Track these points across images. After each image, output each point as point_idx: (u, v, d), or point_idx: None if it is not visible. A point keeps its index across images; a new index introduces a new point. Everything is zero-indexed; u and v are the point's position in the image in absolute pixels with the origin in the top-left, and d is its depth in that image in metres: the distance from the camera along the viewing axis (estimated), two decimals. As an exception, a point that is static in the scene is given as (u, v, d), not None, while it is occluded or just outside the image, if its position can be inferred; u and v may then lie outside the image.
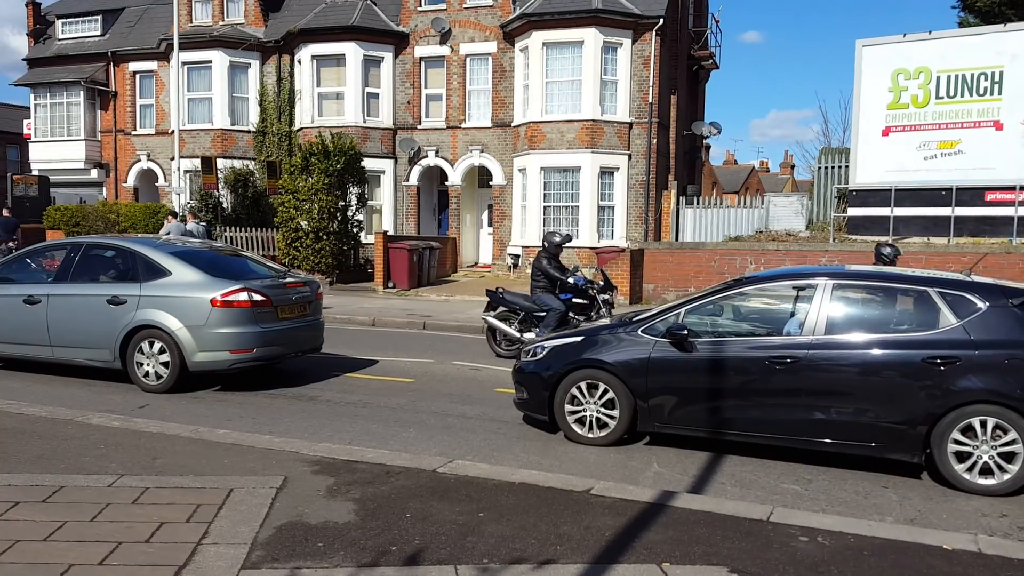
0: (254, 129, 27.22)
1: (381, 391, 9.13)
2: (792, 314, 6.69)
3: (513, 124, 24.40)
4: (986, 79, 16.98)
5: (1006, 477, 5.66)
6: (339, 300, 18.03)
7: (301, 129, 26.23)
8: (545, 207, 23.38)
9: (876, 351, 6.05)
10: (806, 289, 6.57)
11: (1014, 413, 5.63)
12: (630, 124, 23.25)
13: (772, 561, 4.22)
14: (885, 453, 6.06)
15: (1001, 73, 16.80)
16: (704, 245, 19.64)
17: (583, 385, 6.89)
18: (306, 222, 21.01)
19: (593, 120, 22.79)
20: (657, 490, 5.37)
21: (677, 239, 21.54)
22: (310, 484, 5.25)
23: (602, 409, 6.83)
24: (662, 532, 4.58)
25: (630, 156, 23.34)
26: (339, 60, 25.52)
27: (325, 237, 20.99)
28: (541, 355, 7.22)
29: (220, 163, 24.91)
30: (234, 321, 8.63)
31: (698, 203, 22.46)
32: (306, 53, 25.79)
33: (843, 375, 6.11)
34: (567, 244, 11.89)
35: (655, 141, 23.26)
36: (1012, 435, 5.62)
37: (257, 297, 8.78)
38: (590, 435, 6.88)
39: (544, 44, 23.03)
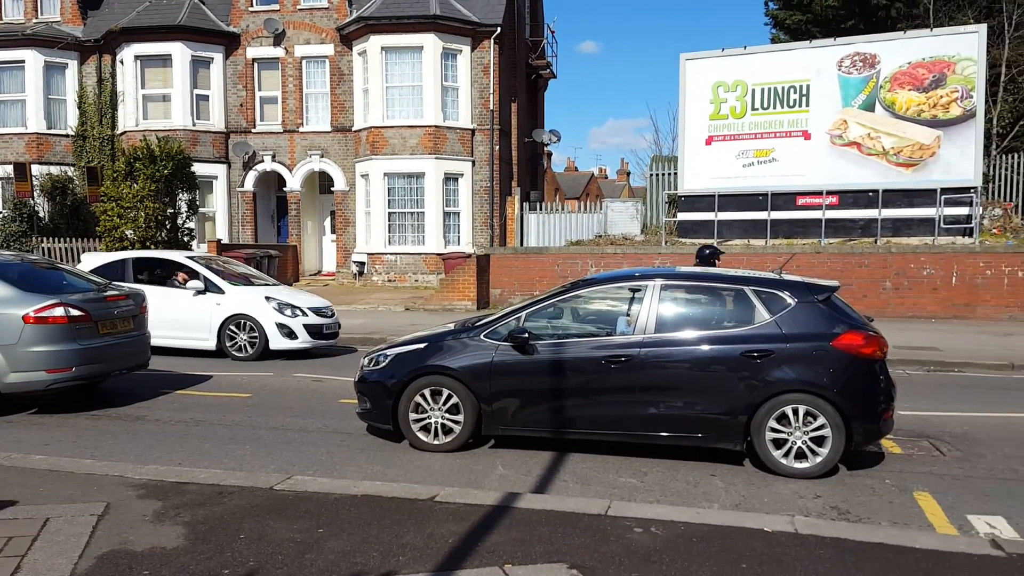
0: (73, 133, 25.34)
1: (215, 408, 8.71)
2: (627, 314, 6.97)
3: (354, 129, 24.02)
4: (795, 92, 18.48)
5: (818, 460, 6.15)
6: (171, 313, 17.01)
7: (125, 133, 24.65)
8: (390, 213, 23.18)
9: (701, 347, 6.42)
10: (638, 290, 6.86)
11: (822, 400, 6.13)
12: (473, 131, 23.48)
13: (609, 554, 4.37)
14: (711, 443, 6.43)
15: (808, 86, 18.35)
16: (548, 249, 20.15)
17: (427, 392, 6.87)
18: (132, 231, 19.74)
19: (436, 126, 22.83)
20: (501, 492, 5.43)
21: (522, 244, 21.94)
22: (135, 509, 4.92)
23: (447, 415, 6.84)
24: (505, 534, 4.63)
25: (474, 162, 23.56)
26: (165, 60, 24.20)
27: (153, 247, 19.79)
28: (384, 363, 7.13)
29: (36, 169, 22.93)
30: (50, 339, 7.96)
31: (541, 209, 22.99)
32: (129, 53, 24.26)
33: (672, 371, 6.43)
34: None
35: (498, 148, 23.61)
36: (821, 420, 6.12)
37: (75, 312, 8.15)
38: (435, 442, 6.87)
39: (383, 48, 22.84)
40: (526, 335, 6.67)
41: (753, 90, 18.79)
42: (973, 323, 15.97)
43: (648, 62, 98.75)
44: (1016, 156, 19.32)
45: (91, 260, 13.36)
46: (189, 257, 13.06)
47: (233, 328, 12.11)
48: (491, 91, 23.35)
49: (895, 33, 19.15)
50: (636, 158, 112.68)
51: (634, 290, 6.93)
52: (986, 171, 18.79)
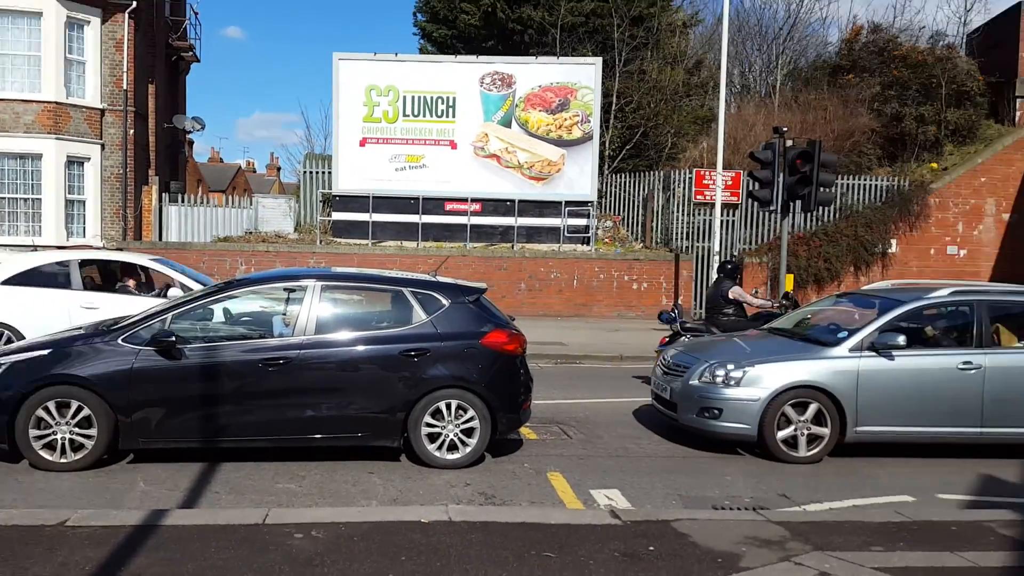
0: None
1: None
2: (285, 316, 6.83)
3: (-51, 98, 20.21)
4: (443, 103, 19.50)
5: (468, 450, 6.59)
6: None
7: None
8: (-5, 199, 19.89)
9: (361, 347, 6.52)
10: (296, 291, 6.76)
11: (471, 395, 6.59)
12: (102, 111, 21.08)
13: (269, 564, 4.26)
14: (371, 441, 6.57)
15: (455, 99, 19.47)
16: (191, 245, 18.92)
17: (52, 405, 6.08)
18: None
19: (57, 103, 20.08)
20: (145, 511, 5.01)
21: (161, 238, 20.27)
22: None
23: (76, 430, 6.11)
24: (152, 555, 4.29)
25: (103, 146, 21.17)
26: None
27: None
28: (-6, 374, 6.15)
29: None
30: None
31: (183, 201, 21.44)
32: None
33: (333, 372, 6.45)
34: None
35: (132, 131, 21.47)
36: (471, 413, 6.57)
37: None
38: (63, 460, 6.10)
39: (-10, 8, 19.56)
40: (173, 338, 6.22)
41: (405, 97, 19.44)
42: (591, 320, 18.22)
43: (298, 57, 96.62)
44: (623, 176, 22.42)
45: (13, 263, 10.16)
46: (153, 259, 10.79)
47: None
48: (125, 69, 21.16)
49: (528, 58, 21.13)
50: (287, 153, 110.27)
51: (292, 290, 6.83)
52: (601, 188, 21.50)
